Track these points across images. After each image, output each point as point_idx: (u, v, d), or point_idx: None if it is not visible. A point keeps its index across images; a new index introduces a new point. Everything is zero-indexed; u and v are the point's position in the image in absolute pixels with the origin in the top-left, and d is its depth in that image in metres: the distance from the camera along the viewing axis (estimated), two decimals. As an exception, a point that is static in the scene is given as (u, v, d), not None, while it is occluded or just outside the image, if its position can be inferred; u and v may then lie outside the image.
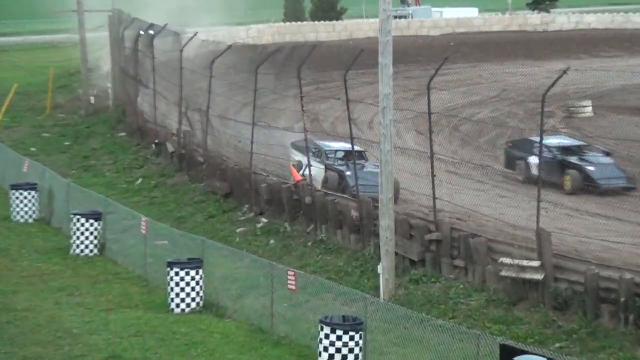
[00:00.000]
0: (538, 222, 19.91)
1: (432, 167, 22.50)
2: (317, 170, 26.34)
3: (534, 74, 43.31)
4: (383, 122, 21.34)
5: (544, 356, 14.22)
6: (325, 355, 16.54)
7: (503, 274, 19.77)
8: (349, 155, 26.21)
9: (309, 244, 24.64)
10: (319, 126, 33.55)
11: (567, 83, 37.33)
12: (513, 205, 23.45)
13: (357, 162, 25.01)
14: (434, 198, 22.29)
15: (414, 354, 16.98)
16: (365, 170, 25.37)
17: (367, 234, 23.36)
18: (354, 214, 23.82)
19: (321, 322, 16.71)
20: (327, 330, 16.51)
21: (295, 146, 28.11)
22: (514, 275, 19.55)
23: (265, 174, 27.73)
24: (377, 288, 20.99)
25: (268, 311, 19.04)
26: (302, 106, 26.00)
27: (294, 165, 26.91)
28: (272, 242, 25.24)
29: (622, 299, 17.88)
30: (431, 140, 22.51)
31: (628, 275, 18.00)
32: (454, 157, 28.02)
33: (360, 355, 16.61)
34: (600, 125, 34.58)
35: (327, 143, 27.93)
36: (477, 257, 20.87)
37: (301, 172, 26.38)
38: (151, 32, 36.95)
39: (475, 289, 20.52)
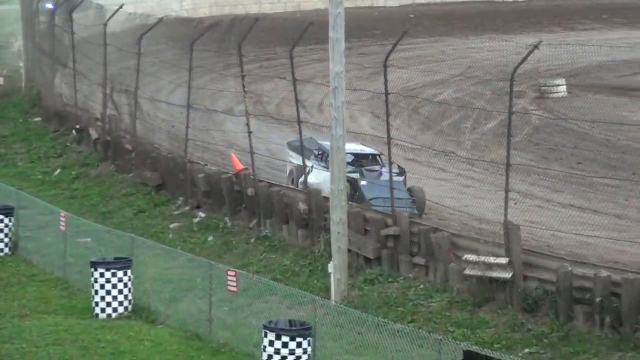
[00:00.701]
0: (506, 215, 20.17)
1: (390, 154, 22.68)
2: (323, 178, 23.79)
3: (502, 50, 43.59)
4: (334, 104, 21.45)
5: (511, 363, 14.51)
6: (269, 365, 16.66)
7: (467, 272, 20.00)
8: (361, 159, 24.82)
9: (252, 240, 24.71)
10: (262, 108, 33.61)
11: (539, 59, 37.60)
12: (479, 196, 23.68)
13: (372, 168, 24.16)
14: (392, 188, 22.48)
15: (369, 362, 17.17)
16: (383, 179, 23.70)
17: (317, 229, 23.50)
18: (302, 207, 23.93)
19: (265, 327, 16.82)
20: (271, 336, 16.62)
21: (292, 147, 26.33)
22: (479, 273, 19.79)
23: (202, 163, 27.72)
24: (328, 289, 21.15)
25: (206, 316, 19.10)
26: (244, 87, 26.03)
27: (291, 172, 25.60)
28: (210, 238, 25.29)
29: (598, 299, 18.16)
30: (388, 124, 22.67)
31: (604, 273, 18.30)
32: (413, 143, 28.24)
33: (310, 364, 16.76)
34: (575, 106, 34.99)
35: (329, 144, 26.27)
36: (439, 253, 21.11)
37: (301, 181, 24.75)
38: (49, 5, 36.59)
39: (437, 289, 20.76)
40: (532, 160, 27.37)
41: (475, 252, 20.22)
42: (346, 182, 23.89)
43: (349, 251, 21.65)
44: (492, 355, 14.95)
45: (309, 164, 25.08)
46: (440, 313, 19.87)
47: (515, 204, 22.44)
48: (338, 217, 21.37)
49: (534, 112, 33.83)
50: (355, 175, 24.12)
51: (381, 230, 22.16)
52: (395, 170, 23.85)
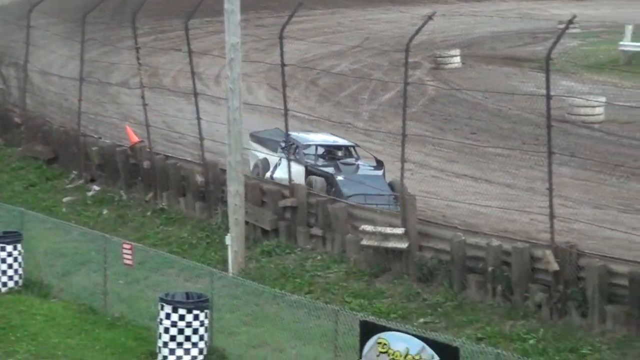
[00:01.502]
0: (402, 185, 20.35)
1: (287, 126, 22.68)
2: (295, 172, 22.49)
3: (398, 21, 44.11)
4: (230, 75, 21.36)
5: (407, 332, 14.62)
6: (165, 337, 16.58)
7: (364, 242, 20.17)
8: (333, 151, 23.39)
9: (148, 213, 24.53)
10: (158, 81, 33.29)
11: (435, 30, 38.15)
12: (376, 166, 23.89)
13: (348, 161, 22.70)
14: (288, 160, 22.50)
15: (267, 333, 17.18)
16: (360, 173, 22.39)
17: (214, 201, 23.42)
18: (199, 179, 23.83)
19: (161, 299, 16.74)
20: (167, 308, 16.56)
21: (256, 138, 24.72)
22: (376, 244, 19.96)
23: (96, 136, 27.38)
24: (225, 261, 21.11)
25: (100, 289, 18.94)
26: (138, 59, 25.74)
27: (256, 165, 23.96)
28: (105, 212, 25.03)
29: (490, 268, 18.43)
30: (285, 96, 22.67)
31: (495, 242, 18.58)
32: (311, 114, 28.31)
33: (206, 335, 16.71)
34: (469, 77, 35.41)
35: (302, 135, 24.12)
36: (336, 224, 21.22)
37: (269, 175, 23.38)
38: None
39: (334, 260, 20.87)
40: (427, 131, 27.65)
41: (371, 222, 20.38)
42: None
43: (246, 223, 21.62)
44: (388, 325, 15.07)
45: (272, 157, 23.52)
46: (337, 283, 19.99)
47: (412, 174, 22.70)
48: (235, 188, 21.33)
49: (429, 82, 34.15)
50: (330, 170, 22.58)
51: (278, 202, 22.18)
52: (372, 163, 22.83)
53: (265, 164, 23.84)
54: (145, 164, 25.02)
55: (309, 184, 22.30)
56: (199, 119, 24.26)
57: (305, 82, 34.55)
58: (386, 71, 35.86)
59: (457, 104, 31.78)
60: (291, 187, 22.26)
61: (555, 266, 17.48)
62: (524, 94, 27.11)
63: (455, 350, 13.93)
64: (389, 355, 14.51)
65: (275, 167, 23.37)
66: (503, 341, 17.10)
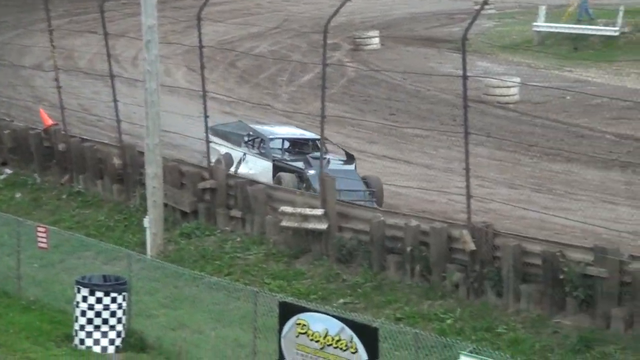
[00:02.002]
0: (321, 167, 20.36)
1: (205, 107, 22.54)
2: (259, 168, 21.64)
3: (317, 2, 44.07)
4: (147, 57, 21.18)
5: (326, 313, 14.65)
6: (82, 320, 16.43)
7: (284, 224, 20.14)
8: (299, 144, 22.30)
9: (64, 196, 24.24)
10: (73, 63, 32.88)
11: (353, 11, 38.27)
12: (296, 148, 23.89)
13: (317, 155, 21.41)
14: (207, 142, 22.39)
15: (186, 316, 17.12)
16: (332, 167, 21.14)
17: (132, 184, 23.20)
18: (116, 161, 23.59)
19: (77, 282, 16.57)
20: (84, 291, 16.39)
21: (216, 132, 23.47)
22: (295, 225, 19.95)
23: (8, 119, 26.96)
24: (144, 243, 20.94)
25: (14, 273, 18.67)
26: (52, 41, 25.37)
27: (218, 161, 22.82)
28: (18, 195, 24.65)
29: (408, 249, 18.54)
30: (203, 77, 22.54)
31: (414, 222, 18.68)
32: (229, 96, 28.18)
33: (124, 318, 16.57)
34: (387, 58, 35.54)
35: (266, 128, 23.29)
36: (255, 206, 21.17)
37: (234, 171, 22.29)
38: None
39: (254, 242, 20.84)
40: (346, 112, 27.76)
41: (291, 203, 20.35)
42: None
43: (165, 205, 21.47)
44: (307, 306, 15.08)
45: (234, 151, 22.62)
46: (256, 265, 19.97)
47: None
48: (153, 171, 21.16)
49: (348, 64, 34.22)
50: (300, 164, 21.61)
51: (197, 184, 22.05)
52: (342, 157, 21.95)
53: (228, 159, 22.89)
54: (61, 146, 24.69)
55: (277, 180, 21.42)
56: (115, 101, 24.00)
57: (224, 64, 34.39)
58: (305, 53, 35.85)
59: (376, 85, 31.90)
60: (210, 169, 22.14)
61: (472, 246, 17.64)
62: (441, 75, 27.33)
63: (374, 330, 13.99)
64: (308, 336, 14.51)
65: (239, 162, 22.47)
66: (421, 321, 17.23)
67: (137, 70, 30.23)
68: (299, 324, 14.60)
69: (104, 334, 16.37)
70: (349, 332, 14.08)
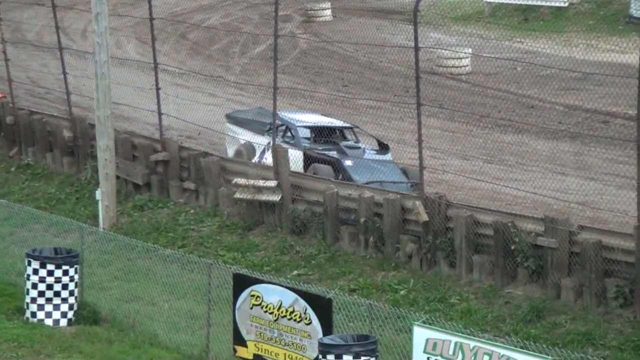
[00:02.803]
0: (274, 139, 20.30)
1: (157, 80, 22.39)
2: (289, 157, 20.07)
3: (268, -27, 43.83)
4: (97, 29, 21.04)
5: (280, 285, 14.65)
6: (33, 293, 16.31)
7: (237, 196, 20.07)
8: (328, 133, 20.73)
9: (12, 169, 24.01)
10: (21, 36, 32.50)
11: (306, -18, 37.99)
12: (249, 119, 23.83)
13: (351, 144, 20.48)
14: (159, 114, 22.25)
15: (139, 288, 17.06)
16: (367, 157, 20.09)
17: (83, 156, 23.07)
18: (67, 134, 23.40)
19: (28, 255, 16.42)
20: (35, 264, 16.25)
21: (234, 120, 22.09)
22: (249, 197, 19.89)
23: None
24: (96, 216, 20.85)
25: (-42, 248, 18.53)
26: (-1, 14, 25.09)
27: (239, 152, 21.18)
28: (-36, 168, 24.43)
29: (362, 220, 18.53)
30: (154, 49, 22.39)
31: (367, 194, 18.69)
32: (181, 68, 27.99)
33: (76, 291, 16.47)
34: (340, 29, 35.39)
35: (292, 116, 21.48)
36: (209, 178, 21.09)
37: (257, 160, 20.85)
38: None
39: (207, 214, 20.77)
40: (299, 84, 27.64)
41: (244, 175, 20.29)
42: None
43: (117, 177, 21.38)
44: (261, 278, 15.09)
45: (260, 140, 21.12)
46: (210, 237, 19.92)
47: (285, 127, 22.63)
48: (104, 143, 21.03)
49: (300, 35, 34.08)
50: (333, 154, 20.13)
51: (150, 156, 21.93)
52: (374, 146, 20.62)
53: (249, 148, 21.30)
54: (9, 119, 24.48)
55: (312, 171, 19.99)
56: (65, 73, 23.76)
57: (175, 36, 34.13)
58: (257, 25, 35.64)
59: (329, 56, 31.81)
60: (162, 141, 22.00)
61: (425, 217, 17.68)
62: (393, 47, 27.22)
63: (328, 301, 14.02)
64: (262, 307, 14.54)
65: (263, 152, 20.86)
66: (375, 292, 17.29)
67: (87, 42, 29.96)
68: (253, 295, 14.63)
69: (56, 307, 16.27)
70: (302, 303, 14.12)
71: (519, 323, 15.78)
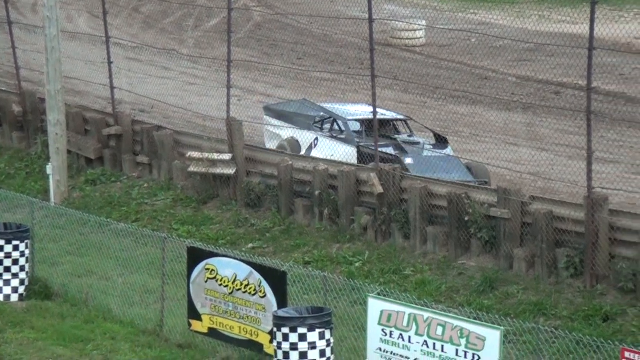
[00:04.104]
0: (228, 111, 20.23)
1: (109, 53, 22.21)
2: (341, 154, 18.86)
3: (222, -54, 43.54)
4: (47, 3, 20.87)
5: (234, 258, 14.64)
6: (-18, 269, 16.21)
7: (191, 169, 20.04)
8: (382, 126, 18.99)
9: (-41, 144, 23.81)
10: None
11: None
12: (203, 93, 23.67)
13: (408, 138, 19.14)
14: (112, 88, 22.10)
15: (92, 262, 17.01)
16: (428, 153, 18.69)
17: (33, 131, 22.90)
18: (16, 108, 23.20)
19: (-23, 231, 16.31)
20: (-16, 240, 16.16)
21: (275, 113, 20.74)
22: (203, 170, 19.85)
23: None
24: (47, 191, 20.71)
25: None
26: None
27: (281, 147, 19.84)
28: None
29: (317, 192, 18.54)
30: (106, 23, 22.23)
31: (322, 166, 18.68)
32: (134, 42, 27.79)
33: (27, 266, 16.38)
34: (294, 2, 35.13)
35: (339, 107, 19.86)
36: (162, 152, 21.00)
37: (304, 152, 19.48)
38: None
39: (161, 188, 20.70)
40: (253, 57, 27.55)
41: (199, 149, 20.25)
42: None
43: (69, 152, 21.24)
44: (215, 251, 15.07)
45: (306, 135, 19.74)
46: (164, 211, 19.87)
47: (239, 100, 22.60)
48: (55, 118, 20.87)
49: (254, 8, 33.92)
50: (389, 149, 18.57)
51: (102, 130, 21.79)
52: (428, 140, 19.13)
53: (293, 144, 19.89)
54: (-45, 95, 24.20)
55: None
56: (14, 48, 23.47)
57: (127, 10, 33.87)
58: (211, -4, 35.43)
59: (283, 29, 31.70)
60: (115, 114, 21.87)
61: (379, 189, 17.71)
62: (348, 19, 27.20)
63: (283, 274, 14.03)
64: (217, 280, 14.53)
65: (311, 148, 19.57)
66: (330, 264, 17.32)
67: (37, 17, 29.66)
68: (208, 269, 14.61)
69: (7, 282, 16.17)
70: (257, 276, 14.12)
71: (472, 294, 15.87)
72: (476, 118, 21.41)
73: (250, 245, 18.36)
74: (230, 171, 19.60)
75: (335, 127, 19.45)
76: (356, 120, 19.40)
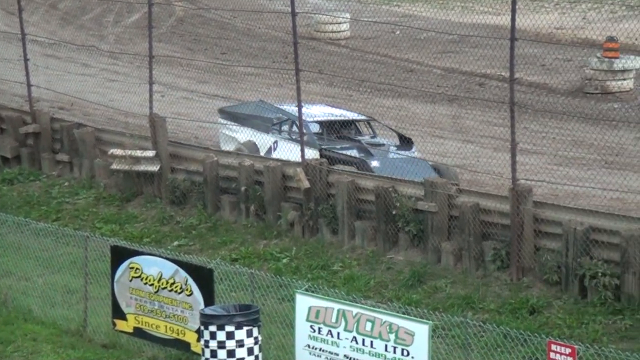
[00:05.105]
0: (151, 107, 20.07)
1: (25, 50, 21.91)
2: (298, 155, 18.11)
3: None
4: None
5: (159, 256, 14.54)
6: None
7: (114, 167, 19.88)
8: (337, 127, 18.74)
9: None
10: None
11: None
12: (124, 89, 23.50)
13: (373, 140, 18.67)
14: (29, 85, 21.83)
15: (10, 263, 16.78)
16: (394, 155, 18.13)
17: (-55, 131, 22.55)
18: None
19: None
20: None
21: (231, 115, 20.01)
22: (126, 167, 19.71)
23: None
24: (-38, 191, 20.43)
25: None
26: None
27: (239, 150, 19.23)
28: None
29: (243, 188, 18.48)
30: (21, 19, 21.98)
31: (247, 161, 18.62)
32: (51, 38, 27.47)
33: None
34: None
35: (296, 108, 18.49)
36: (83, 149, 20.78)
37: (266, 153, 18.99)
38: None
39: (83, 186, 20.49)
40: (176, 52, 27.42)
41: (121, 146, 20.08)
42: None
43: (-14, 151, 20.97)
44: (139, 249, 14.94)
45: (264, 138, 19.21)
46: (86, 210, 19.69)
47: (162, 96, 22.48)
48: (-30, 116, 20.55)
49: (176, 3, 33.71)
50: (353, 152, 18.16)
51: (19, 128, 21.53)
52: (391, 141, 18.73)
53: (251, 147, 19.37)
54: None
55: None
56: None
57: (45, 6, 33.49)
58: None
59: (206, 24, 31.58)
60: (32, 112, 21.60)
61: (306, 184, 17.68)
62: (271, 12, 27.16)
63: (209, 272, 13.94)
64: (142, 279, 14.40)
65: (270, 151, 19.07)
66: (257, 261, 17.27)
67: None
68: (132, 267, 14.48)
69: None
70: (183, 274, 14.01)
71: (401, 288, 15.91)
72: (402, 111, 21.50)
73: (176, 243, 18.26)
74: (154, 168, 19.49)
75: (295, 129, 18.73)
76: (316, 122, 18.90)
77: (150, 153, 19.58)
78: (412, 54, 27.03)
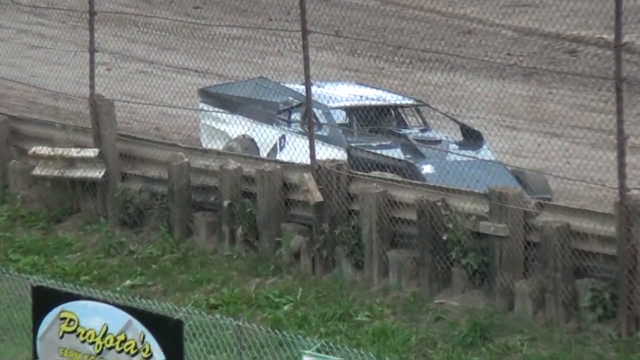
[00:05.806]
0: (92, 86, 20.31)
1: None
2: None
3: None
4: None
5: (104, 302, 14.63)
6: None
7: (38, 172, 20.20)
8: (381, 115, 18.99)
9: None
10: None
11: None
12: (53, 60, 24.05)
13: (425, 136, 18.94)
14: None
15: None
16: (454, 157, 18.49)
17: None
18: None
19: None
20: None
21: (213, 97, 20.64)
22: (56, 173, 19.94)
23: None
24: None
25: None
26: None
27: (229, 149, 19.70)
28: None
29: (226, 202, 18.51)
30: None
31: (233, 165, 18.64)
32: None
33: None
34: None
35: (317, 88, 18.86)
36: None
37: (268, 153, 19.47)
38: None
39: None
40: (128, 6, 27.64)
41: (48, 142, 20.37)
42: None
43: None
44: (75, 292, 15.07)
45: (266, 131, 19.68)
46: (-5, 234, 19.96)
47: (108, 69, 22.74)
48: None
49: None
50: (397, 153, 18.56)
51: None
52: (450, 135, 19.11)
53: (248, 145, 19.94)
54: None
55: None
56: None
57: None
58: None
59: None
60: None
61: (318, 196, 17.75)
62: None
63: (178, 324, 14.01)
64: (78, 335, 14.50)
65: (275, 150, 19.64)
66: (247, 308, 17.45)
67: None
68: (64, 318, 14.58)
69: None
70: (139, 327, 14.12)
71: (455, 347, 15.99)
72: (456, 90, 21.62)
73: (129, 282, 18.50)
74: (97, 174, 19.79)
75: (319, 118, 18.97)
76: (342, 108, 19.14)
77: (92, 152, 19.85)
78: (471, 8, 27.18)
